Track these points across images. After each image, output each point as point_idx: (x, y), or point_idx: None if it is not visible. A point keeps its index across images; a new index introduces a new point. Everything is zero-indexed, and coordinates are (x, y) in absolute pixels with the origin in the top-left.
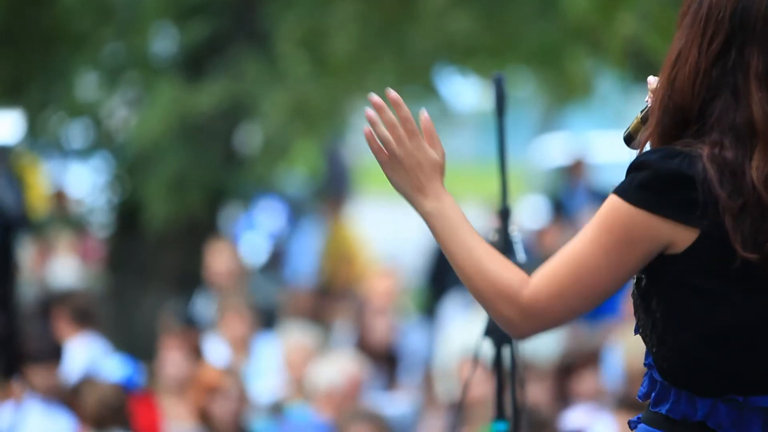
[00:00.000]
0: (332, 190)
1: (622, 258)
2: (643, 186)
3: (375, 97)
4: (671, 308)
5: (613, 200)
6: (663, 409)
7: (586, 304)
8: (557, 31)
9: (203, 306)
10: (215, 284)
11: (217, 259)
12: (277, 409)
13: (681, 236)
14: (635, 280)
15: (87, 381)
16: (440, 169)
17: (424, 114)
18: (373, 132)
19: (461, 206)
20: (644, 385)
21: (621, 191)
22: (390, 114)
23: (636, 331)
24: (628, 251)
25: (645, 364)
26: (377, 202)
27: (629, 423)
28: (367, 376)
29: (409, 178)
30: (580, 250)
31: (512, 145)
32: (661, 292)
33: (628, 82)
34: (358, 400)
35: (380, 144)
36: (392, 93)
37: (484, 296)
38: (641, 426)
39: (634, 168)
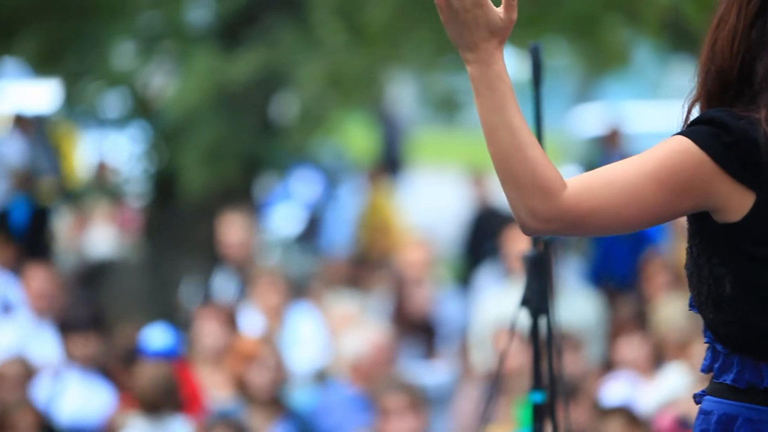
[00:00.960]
0: (383, 158)
1: (673, 201)
2: (714, 137)
3: None
4: (727, 274)
5: (682, 142)
6: (727, 379)
7: (616, 228)
8: (594, 1)
9: (223, 280)
10: (229, 257)
11: (230, 231)
12: (317, 379)
13: (738, 199)
14: (688, 251)
15: (140, 362)
16: (500, 33)
17: None
18: None
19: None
20: (706, 358)
21: (695, 136)
22: None
23: (690, 305)
24: (681, 196)
25: (705, 341)
26: (419, 171)
27: (694, 397)
28: (399, 346)
29: (460, 33)
30: (635, 178)
31: (549, 114)
32: (716, 258)
33: (665, 52)
34: (387, 369)
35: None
36: None
37: (519, 181)
38: (707, 398)
39: (702, 121)
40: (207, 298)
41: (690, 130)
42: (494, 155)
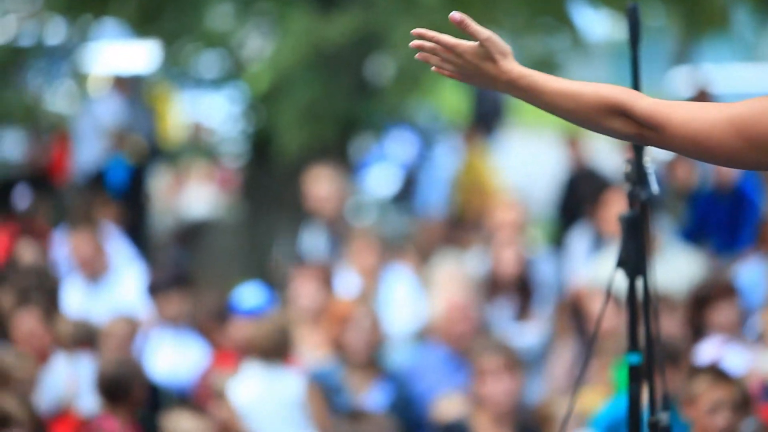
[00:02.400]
0: (478, 119)
1: (745, 150)
2: None
3: (413, 42)
4: None
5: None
6: None
7: (691, 151)
8: None
9: (312, 236)
10: (318, 211)
11: (318, 185)
12: (413, 340)
13: None
14: None
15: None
16: (489, 53)
17: (451, 16)
18: (437, 67)
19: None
20: None
21: None
22: (427, 43)
23: None
24: (754, 148)
25: None
26: (514, 132)
27: None
28: (493, 307)
29: (482, 80)
30: (718, 112)
31: (647, 76)
32: None
33: (763, 14)
34: (477, 330)
35: (448, 70)
36: (414, 31)
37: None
38: None
39: None
40: (301, 258)
41: None
42: (573, 120)
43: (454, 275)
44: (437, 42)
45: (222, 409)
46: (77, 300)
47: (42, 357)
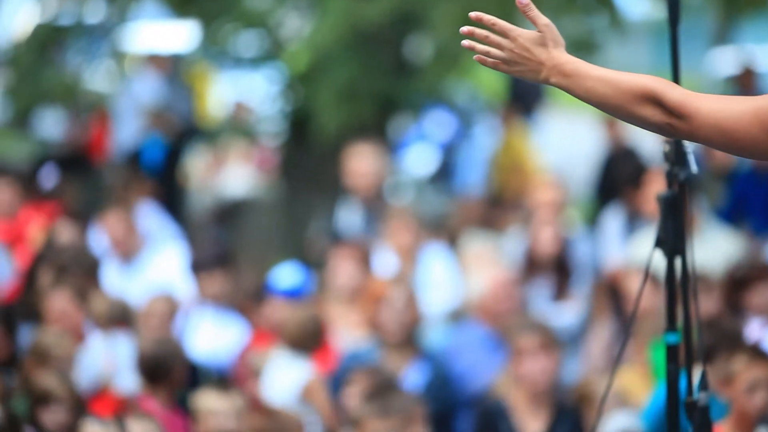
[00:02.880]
0: (519, 99)
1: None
2: None
3: (463, 29)
4: None
5: None
6: None
7: (718, 143)
8: None
9: (349, 213)
10: (355, 188)
11: (356, 161)
12: (451, 319)
13: None
14: None
15: (270, 300)
16: (544, 39)
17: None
18: (481, 55)
19: None
20: None
21: None
22: (479, 30)
23: None
24: None
25: None
26: (553, 113)
27: None
28: (530, 286)
29: (527, 67)
30: (743, 104)
31: (686, 56)
32: None
33: None
34: (515, 309)
35: (492, 59)
36: (473, 14)
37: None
38: None
39: None
40: (338, 236)
41: None
42: (619, 115)
43: (492, 255)
44: (494, 25)
45: (256, 388)
46: (112, 280)
47: (76, 336)
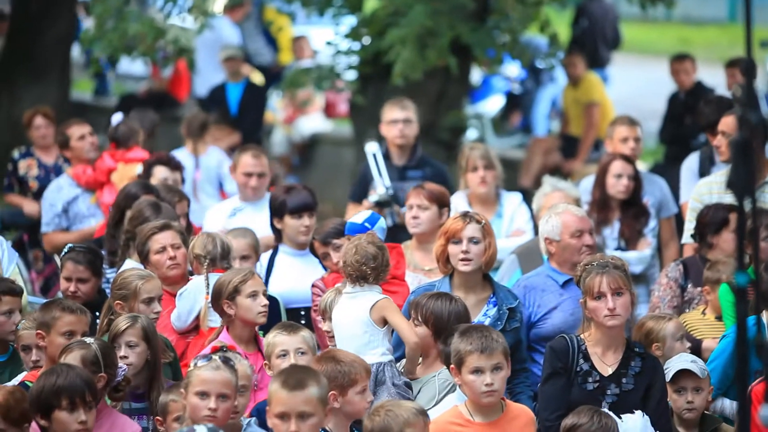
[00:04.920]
0: (590, 44)
1: None
2: None
3: None
4: None
5: None
6: None
7: None
8: None
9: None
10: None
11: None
12: (524, 258)
13: None
14: None
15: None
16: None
17: None
18: None
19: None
20: None
21: None
22: None
23: None
24: None
25: None
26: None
27: None
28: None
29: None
30: None
31: (761, 7)
32: None
33: None
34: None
35: None
36: None
37: None
38: None
39: None
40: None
41: None
42: None
43: (564, 196)
44: None
45: (325, 325)
46: (219, 221)
47: (179, 275)
